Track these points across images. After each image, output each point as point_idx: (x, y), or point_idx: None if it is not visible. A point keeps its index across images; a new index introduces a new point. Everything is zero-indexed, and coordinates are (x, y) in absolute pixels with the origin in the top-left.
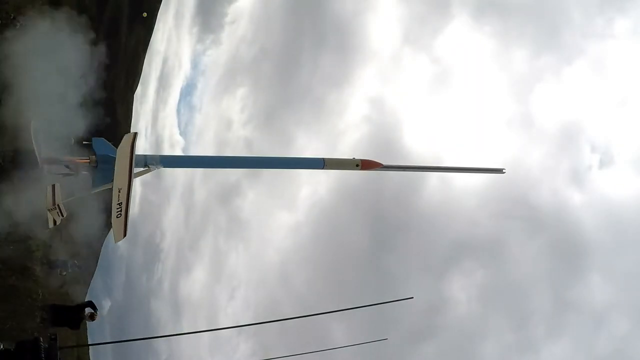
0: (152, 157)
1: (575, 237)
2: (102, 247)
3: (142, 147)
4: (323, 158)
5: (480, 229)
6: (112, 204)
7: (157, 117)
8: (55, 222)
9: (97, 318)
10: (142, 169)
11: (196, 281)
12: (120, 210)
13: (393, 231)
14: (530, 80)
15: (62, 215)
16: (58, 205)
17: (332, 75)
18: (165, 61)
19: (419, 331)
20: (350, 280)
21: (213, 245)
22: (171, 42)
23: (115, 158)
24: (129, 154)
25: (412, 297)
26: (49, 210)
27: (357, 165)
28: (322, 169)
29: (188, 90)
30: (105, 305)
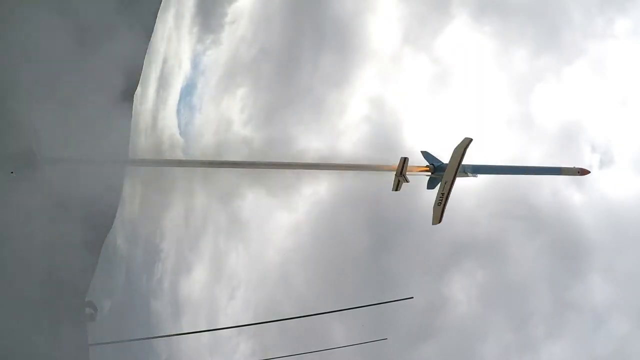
0: (467, 165)
1: (575, 237)
2: (102, 247)
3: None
4: (560, 167)
5: (480, 229)
6: (436, 193)
7: (157, 117)
8: (398, 186)
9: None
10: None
11: (196, 281)
12: (442, 199)
13: (393, 231)
14: (530, 80)
15: (407, 181)
16: (404, 175)
17: (332, 75)
18: (165, 61)
19: (419, 331)
20: (350, 280)
21: (213, 245)
22: (171, 42)
23: (444, 166)
24: (460, 154)
25: (412, 297)
26: (396, 176)
27: (578, 172)
28: (559, 175)
29: (188, 90)
30: (105, 305)
